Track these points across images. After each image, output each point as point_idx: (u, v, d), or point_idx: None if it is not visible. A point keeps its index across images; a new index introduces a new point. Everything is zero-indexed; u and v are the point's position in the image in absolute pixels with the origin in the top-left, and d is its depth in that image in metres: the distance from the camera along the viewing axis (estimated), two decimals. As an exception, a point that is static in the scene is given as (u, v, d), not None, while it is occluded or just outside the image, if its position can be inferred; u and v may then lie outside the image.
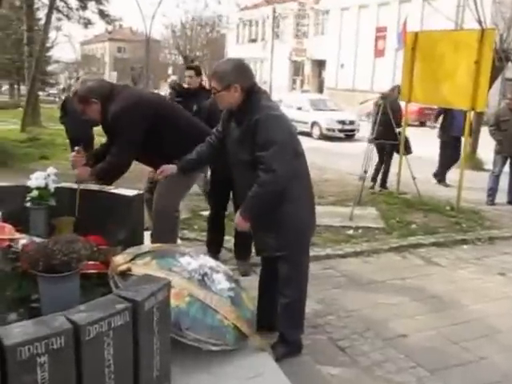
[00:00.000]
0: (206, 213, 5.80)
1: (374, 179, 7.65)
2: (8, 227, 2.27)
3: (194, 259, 2.38)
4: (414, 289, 4.02)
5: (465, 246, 5.20)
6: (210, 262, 2.46)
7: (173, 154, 3.03)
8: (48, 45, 30.97)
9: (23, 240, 2.58)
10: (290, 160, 2.61)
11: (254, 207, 2.66)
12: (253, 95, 2.63)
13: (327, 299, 3.69)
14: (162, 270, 2.21)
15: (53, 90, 36.61)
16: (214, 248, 4.33)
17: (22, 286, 2.13)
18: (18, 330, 1.44)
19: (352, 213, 5.82)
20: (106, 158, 3.04)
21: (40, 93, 26.58)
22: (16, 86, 34.14)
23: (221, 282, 2.35)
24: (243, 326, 2.27)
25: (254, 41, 39.83)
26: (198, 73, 5.34)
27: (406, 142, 7.18)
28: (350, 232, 5.37)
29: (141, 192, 3.13)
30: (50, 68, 35.54)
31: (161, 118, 3.02)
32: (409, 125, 7.82)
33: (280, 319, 2.83)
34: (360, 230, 5.43)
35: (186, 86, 5.43)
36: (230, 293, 2.33)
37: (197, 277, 2.27)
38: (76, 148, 3.23)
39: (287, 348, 2.81)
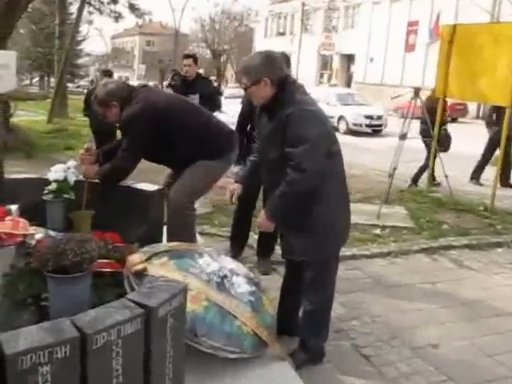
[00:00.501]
0: (229, 207, 5.72)
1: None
2: (22, 222, 2.18)
3: (213, 260, 2.26)
4: (445, 294, 3.82)
5: (499, 249, 4.95)
6: (230, 263, 2.34)
7: (189, 156, 2.97)
8: (79, 38, 31.47)
9: (38, 235, 2.51)
10: (322, 159, 2.43)
11: (279, 207, 2.51)
12: (285, 88, 2.47)
13: (352, 302, 3.53)
14: (179, 271, 2.10)
15: (82, 82, 37.23)
16: (237, 245, 4.21)
17: (33, 284, 2.04)
18: (20, 337, 1.34)
19: (379, 211, 5.62)
20: (114, 158, 2.99)
21: (69, 84, 27.02)
22: (46, 78, 34.76)
23: (241, 286, 2.22)
24: (263, 332, 2.14)
25: (282, 34, 39.49)
26: (196, 61, 5.42)
27: (447, 138, 6.97)
28: (377, 231, 5.19)
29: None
30: (80, 61, 36.07)
31: (173, 123, 2.94)
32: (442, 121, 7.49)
33: (302, 326, 2.69)
34: (387, 230, 5.23)
35: (184, 74, 5.39)
36: (251, 297, 2.20)
37: (215, 279, 2.15)
38: (85, 145, 3.21)
39: (308, 355, 2.67)
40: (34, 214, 2.74)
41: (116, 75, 45.33)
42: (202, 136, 2.98)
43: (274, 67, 2.49)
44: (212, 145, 2.99)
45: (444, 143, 7.24)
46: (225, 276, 2.19)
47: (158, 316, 1.58)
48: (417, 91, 6.07)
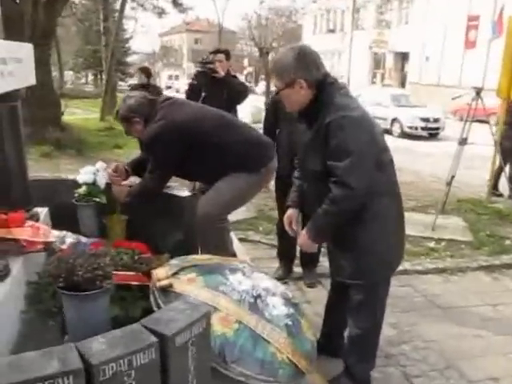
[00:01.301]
0: (274, 213, 5.49)
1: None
2: (44, 228, 2.04)
3: (246, 277, 2.05)
4: (508, 319, 3.41)
5: None
6: (265, 281, 2.11)
7: (220, 170, 2.72)
8: (126, 36, 32.03)
9: (68, 240, 2.39)
10: (371, 171, 2.11)
11: (322, 227, 2.21)
12: (324, 90, 2.15)
13: (402, 324, 3.22)
14: (207, 289, 1.90)
15: (132, 81, 38.08)
16: (286, 257, 3.88)
17: (56, 294, 1.90)
18: (17, 366, 1.18)
19: (435, 222, 5.21)
20: (142, 176, 2.86)
21: (121, 83, 27.57)
22: (99, 77, 35.72)
23: (276, 307, 1.99)
24: (300, 361, 1.91)
25: (332, 31, 38.63)
26: (229, 57, 4.92)
27: None
28: (432, 244, 4.79)
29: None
30: (129, 59, 36.73)
31: (200, 138, 2.69)
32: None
33: (347, 351, 2.43)
34: (443, 243, 4.83)
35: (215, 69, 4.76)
36: (287, 320, 1.97)
37: (248, 299, 1.93)
38: (113, 165, 3.04)
39: (353, 382, 2.41)
40: (66, 217, 2.64)
41: (165, 74, 45.84)
42: (234, 150, 2.72)
43: (310, 66, 2.15)
44: (245, 158, 2.73)
45: None
46: (259, 295, 1.97)
47: (176, 345, 1.39)
48: (478, 91, 5.60)
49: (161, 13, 23.31)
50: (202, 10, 68.76)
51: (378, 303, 2.39)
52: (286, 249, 3.85)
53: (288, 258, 3.89)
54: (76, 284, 1.49)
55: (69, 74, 35.47)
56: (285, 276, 3.73)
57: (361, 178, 2.06)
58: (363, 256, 2.24)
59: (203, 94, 4.64)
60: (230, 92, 4.67)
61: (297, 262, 3.98)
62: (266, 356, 1.83)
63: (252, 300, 1.93)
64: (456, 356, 2.89)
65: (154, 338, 1.34)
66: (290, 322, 1.96)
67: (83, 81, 40.51)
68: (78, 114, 15.05)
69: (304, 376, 1.94)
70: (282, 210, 3.58)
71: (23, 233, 1.87)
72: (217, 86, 4.64)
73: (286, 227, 2.54)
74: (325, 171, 2.12)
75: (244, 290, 1.95)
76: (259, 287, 2.00)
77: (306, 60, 2.14)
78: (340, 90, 2.18)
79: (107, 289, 1.58)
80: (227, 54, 4.91)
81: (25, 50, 2.25)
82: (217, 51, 4.93)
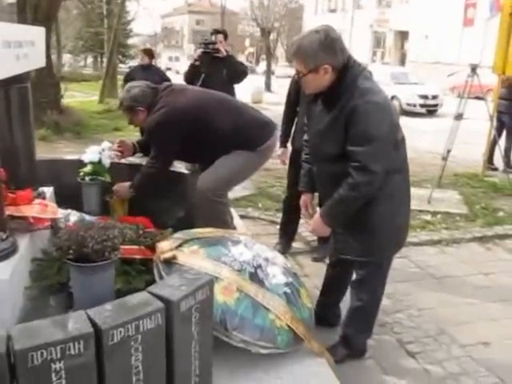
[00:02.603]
0: (273, 190, 5.59)
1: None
2: (51, 205, 2.13)
3: (247, 248, 2.14)
4: (499, 287, 3.55)
5: (562, 240, 4.57)
6: (266, 251, 2.21)
7: (221, 152, 2.79)
8: (129, 18, 31.71)
9: (73, 218, 2.49)
10: (390, 156, 2.15)
11: (340, 213, 2.24)
12: (347, 73, 2.11)
13: (398, 294, 3.34)
14: (209, 260, 2.00)
15: (133, 63, 37.77)
16: (287, 233, 3.98)
17: (62, 270, 2.00)
18: (31, 332, 1.27)
19: (431, 195, 5.32)
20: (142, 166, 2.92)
21: (121, 65, 27.41)
22: (99, 59, 35.45)
23: (276, 276, 2.09)
24: (299, 327, 2.01)
25: (333, 11, 38.30)
26: (226, 37, 5.08)
27: None
28: (428, 217, 4.91)
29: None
30: (130, 41, 36.43)
31: (201, 123, 2.74)
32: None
33: (347, 321, 2.54)
34: (439, 216, 4.94)
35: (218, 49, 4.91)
36: (286, 289, 2.07)
37: (249, 269, 2.02)
38: (118, 140, 3.08)
39: (349, 350, 2.53)
40: (70, 196, 2.73)
41: (166, 55, 45.49)
42: (234, 132, 2.78)
43: (336, 51, 2.10)
44: (245, 138, 2.79)
45: None
46: (259, 266, 2.07)
47: (181, 310, 1.48)
48: (474, 68, 5.64)
49: (163, -6, 23.05)
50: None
51: (380, 278, 2.48)
52: (289, 224, 3.95)
53: (289, 233, 3.99)
54: (85, 255, 1.58)
55: (67, 57, 35.13)
56: (284, 251, 3.84)
57: (382, 163, 2.09)
58: (373, 236, 2.29)
59: (203, 75, 4.73)
60: (230, 71, 4.78)
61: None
62: (266, 323, 1.93)
63: (252, 270, 2.02)
64: (449, 323, 3.01)
65: (159, 304, 1.43)
66: (288, 291, 2.06)
67: (82, 64, 40.17)
68: (78, 97, 15.02)
69: (302, 343, 2.04)
70: (291, 185, 3.66)
71: (32, 210, 1.96)
72: (217, 66, 4.76)
73: (303, 211, 2.61)
74: (342, 154, 2.13)
75: (245, 260, 2.04)
76: (260, 258, 2.10)
77: (333, 45, 2.10)
78: (362, 73, 2.16)
79: (115, 260, 1.67)
80: (225, 34, 5.06)
81: (37, 33, 2.31)
82: (216, 32, 5.04)
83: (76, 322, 1.32)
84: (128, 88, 2.87)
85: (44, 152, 6.75)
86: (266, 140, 2.85)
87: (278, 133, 3.13)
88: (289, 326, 1.97)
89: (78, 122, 9.69)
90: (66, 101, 11.09)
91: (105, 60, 18.26)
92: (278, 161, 4.01)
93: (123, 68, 27.07)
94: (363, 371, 2.50)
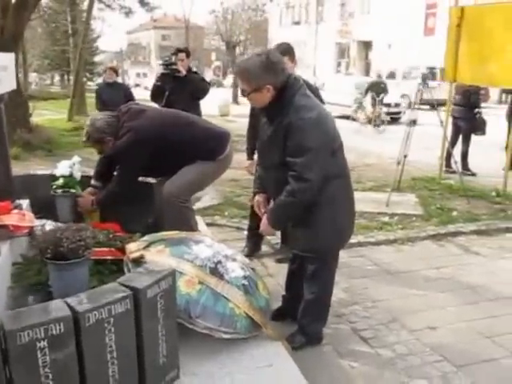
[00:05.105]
0: (240, 199, 5.84)
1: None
2: (28, 215, 2.34)
3: (208, 247, 2.38)
4: (449, 279, 3.86)
5: (509, 235, 4.94)
6: (225, 250, 2.45)
7: (180, 165, 3.02)
8: (94, 35, 31.74)
9: (48, 227, 2.68)
10: (326, 164, 2.40)
11: (281, 216, 2.52)
12: (285, 91, 2.36)
13: (354, 288, 3.61)
14: (174, 258, 2.22)
15: (100, 80, 37.67)
16: (253, 237, 4.11)
17: (41, 271, 2.20)
18: (20, 316, 1.49)
19: (389, 199, 5.65)
20: (108, 184, 3.11)
21: (90, 83, 27.37)
22: (66, 77, 35.31)
23: (235, 270, 2.33)
24: (255, 315, 2.25)
25: (297, 23, 39.16)
26: (188, 55, 5.38)
27: (483, 122, 7.30)
28: (386, 219, 5.23)
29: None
30: (97, 58, 36.40)
31: (163, 141, 2.95)
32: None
33: (302, 312, 2.78)
34: (396, 217, 5.27)
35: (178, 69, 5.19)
36: (244, 281, 2.31)
37: (209, 265, 2.26)
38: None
39: (305, 338, 2.78)
40: (45, 208, 2.92)
41: (133, 71, 45.49)
42: (193, 144, 3.02)
43: (277, 72, 2.34)
44: (204, 149, 3.03)
45: (480, 127, 7.40)
46: (219, 262, 2.31)
47: (147, 297, 1.71)
48: (424, 77, 6.06)
49: (128, 12, 23.24)
50: (169, 7, 68.12)
51: (328, 273, 2.75)
52: (255, 228, 4.16)
53: (255, 237, 4.19)
54: (62, 254, 1.80)
55: (33, 76, 34.88)
56: (250, 254, 4.07)
57: (317, 171, 2.35)
58: (317, 234, 2.56)
59: (167, 93, 5.01)
60: (192, 89, 5.07)
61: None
62: (226, 311, 2.16)
63: (213, 265, 2.26)
64: (400, 312, 3.30)
65: (128, 291, 1.66)
66: (246, 283, 2.30)
67: (48, 82, 39.87)
68: (46, 115, 15.01)
69: (260, 329, 2.28)
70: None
71: (11, 219, 2.16)
72: (179, 84, 5.04)
73: (256, 211, 2.86)
74: (283, 163, 2.38)
75: (206, 257, 2.28)
76: (219, 255, 2.34)
77: (274, 67, 2.34)
78: (299, 90, 2.40)
79: (88, 258, 1.89)
80: (187, 52, 5.33)
81: (9, 58, 2.52)
82: (178, 51, 5.33)
83: (56, 308, 1.53)
84: (92, 122, 3.04)
85: (16, 172, 6.86)
86: (223, 150, 3.12)
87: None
88: (247, 314, 2.21)
89: (48, 139, 9.76)
90: (35, 119, 11.13)
91: (72, 78, 18.26)
92: (244, 171, 4.27)
93: (91, 86, 27.07)
94: (321, 356, 2.75)
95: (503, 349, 2.88)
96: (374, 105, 13.77)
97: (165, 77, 5.12)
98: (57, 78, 40.45)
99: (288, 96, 2.37)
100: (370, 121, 13.59)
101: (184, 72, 5.11)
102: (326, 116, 2.47)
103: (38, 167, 7.11)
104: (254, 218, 4.09)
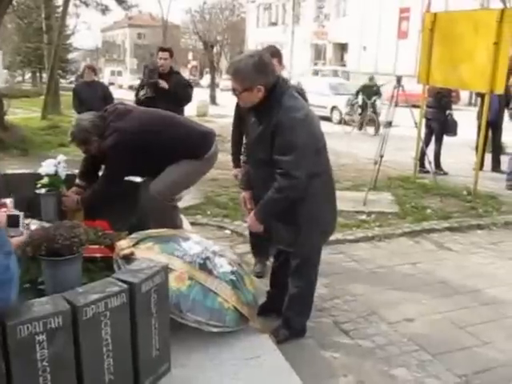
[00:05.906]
0: (221, 198, 5.90)
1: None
2: (16, 213, 2.35)
3: (196, 244, 2.44)
4: (424, 274, 4.02)
5: (479, 231, 5.15)
6: (213, 246, 2.52)
7: (166, 164, 3.06)
8: (68, 32, 31.23)
9: (33, 226, 2.69)
10: (311, 162, 2.49)
11: (269, 212, 2.60)
12: (274, 92, 2.46)
13: (334, 283, 3.72)
14: (164, 254, 2.28)
15: (74, 77, 37.09)
16: (259, 254, 3.89)
17: (30, 270, 2.22)
18: (19, 310, 1.53)
19: (366, 198, 5.80)
20: (94, 183, 3.12)
21: (62, 80, 26.93)
22: (38, 75, 34.60)
23: (223, 266, 2.40)
24: (243, 308, 2.33)
25: (274, 24, 39.37)
26: (172, 55, 5.41)
27: (454, 123, 7.57)
28: (363, 217, 5.37)
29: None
30: (70, 56, 35.81)
31: (148, 141, 2.99)
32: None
33: (286, 306, 2.86)
34: (373, 215, 5.41)
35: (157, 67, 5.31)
36: (232, 276, 2.39)
37: (198, 261, 2.33)
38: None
39: (290, 331, 2.86)
40: (29, 207, 2.93)
41: (108, 69, 45.01)
42: (179, 143, 3.06)
43: (268, 73, 2.44)
44: (190, 148, 3.08)
45: (452, 128, 7.62)
46: (207, 258, 2.38)
47: (142, 291, 1.77)
48: (399, 79, 6.24)
49: (104, 10, 22.93)
50: (146, 4, 66.95)
51: (312, 267, 2.84)
52: (260, 242, 3.81)
53: (263, 252, 3.91)
54: (56, 251, 1.84)
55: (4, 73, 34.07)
56: (262, 270, 3.81)
57: (303, 169, 2.45)
58: (301, 229, 2.65)
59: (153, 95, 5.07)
60: (176, 99, 5.09)
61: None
62: (215, 305, 2.24)
63: (202, 261, 2.33)
64: (379, 305, 3.42)
65: (124, 285, 1.72)
66: (234, 278, 2.38)
67: (19, 79, 39.00)
68: (19, 114, 14.73)
69: (248, 322, 2.37)
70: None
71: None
72: (163, 93, 5.09)
73: (242, 207, 2.94)
74: (271, 161, 2.47)
75: (195, 253, 2.35)
76: (208, 251, 2.41)
77: (265, 69, 2.44)
78: (287, 92, 2.50)
79: (81, 254, 1.93)
80: (171, 52, 5.37)
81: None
82: (160, 49, 5.35)
83: (55, 302, 1.58)
84: (78, 122, 3.05)
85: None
86: (208, 149, 3.17)
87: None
88: (235, 307, 2.29)
89: (22, 138, 9.60)
90: (9, 118, 10.94)
91: (44, 75, 17.92)
92: (224, 171, 4.33)
93: (64, 83, 26.62)
94: (304, 348, 2.84)
95: (475, 338, 3.03)
96: (364, 108, 13.71)
97: (151, 85, 5.17)
98: (28, 75, 39.60)
99: (277, 96, 2.46)
100: (361, 125, 13.18)
101: (167, 86, 5.15)
102: (312, 117, 2.59)
103: (11, 167, 7.02)
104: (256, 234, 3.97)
